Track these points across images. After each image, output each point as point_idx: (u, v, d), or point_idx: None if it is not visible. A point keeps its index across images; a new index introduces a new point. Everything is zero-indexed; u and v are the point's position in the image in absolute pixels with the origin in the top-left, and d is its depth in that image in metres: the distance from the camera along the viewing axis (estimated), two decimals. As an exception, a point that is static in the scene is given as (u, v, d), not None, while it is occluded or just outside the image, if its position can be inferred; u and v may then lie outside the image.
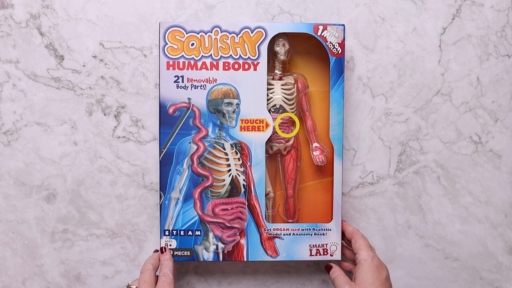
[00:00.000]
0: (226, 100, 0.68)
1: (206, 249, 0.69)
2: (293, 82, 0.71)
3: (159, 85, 0.67)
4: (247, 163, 0.68)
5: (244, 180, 0.69)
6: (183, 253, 0.69)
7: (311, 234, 0.69)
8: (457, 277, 0.77)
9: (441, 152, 0.76)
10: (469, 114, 0.77)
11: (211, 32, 0.67)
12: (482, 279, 0.77)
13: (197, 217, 0.68)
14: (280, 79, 0.70)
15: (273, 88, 0.70)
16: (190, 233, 0.68)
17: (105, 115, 0.74)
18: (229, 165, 0.68)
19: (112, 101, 0.74)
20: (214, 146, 0.68)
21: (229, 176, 0.68)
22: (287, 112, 0.70)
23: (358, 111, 0.76)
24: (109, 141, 0.74)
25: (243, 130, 0.68)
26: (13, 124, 0.73)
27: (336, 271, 0.67)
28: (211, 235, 0.69)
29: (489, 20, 0.77)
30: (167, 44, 0.67)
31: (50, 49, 0.73)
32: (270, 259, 0.69)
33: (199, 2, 0.74)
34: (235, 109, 0.68)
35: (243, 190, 0.69)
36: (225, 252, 0.69)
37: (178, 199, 0.68)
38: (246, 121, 0.68)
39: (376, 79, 0.76)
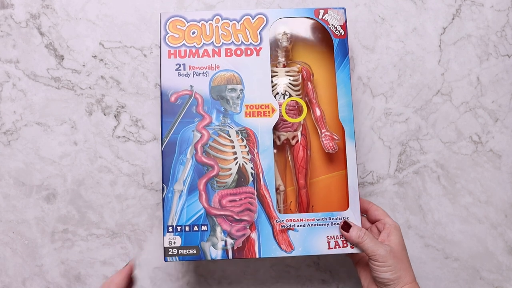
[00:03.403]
0: (229, 86, 0.66)
1: (214, 245, 0.64)
2: (297, 70, 0.70)
3: (160, 74, 0.66)
4: (254, 150, 0.65)
5: (252, 168, 0.65)
6: (188, 251, 0.63)
7: (328, 225, 0.64)
8: (457, 277, 0.77)
9: (441, 152, 0.76)
10: (469, 114, 0.77)
11: (212, 20, 0.67)
12: (482, 279, 0.77)
13: (203, 211, 0.64)
14: (284, 66, 0.69)
15: (277, 75, 0.68)
16: (195, 228, 0.64)
17: (105, 115, 0.74)
18: (235, 153, 0.65)
19: (112, 101, 0.74)
20: (218, 134, 0.65)
21: (236, 164, 0.65)
22: (291, 97, 0.68)
23: (358, 111, 0.76)
24: (109, 141, 0.74)
25: (248, 116, 0.66)
26: (13, 124, 0.73)
27: (362, 229, 0.62)
28: (218, 229, 0.64)
29: (489, 20, 0.77)
30: (168, 33, 0.66)
31: (50, 49, 0.73)
32: (284, 254, 0.63)
33: (199, 2, 0.74)
34: (239, 95, 0.66)
35: (251, 179, 0.65)
36: (235, 248, 0.64)
37: (182, 191, 0.64)
38: (251, 107, 0.66)
39: (376, 79, 0.76)
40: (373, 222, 0.66)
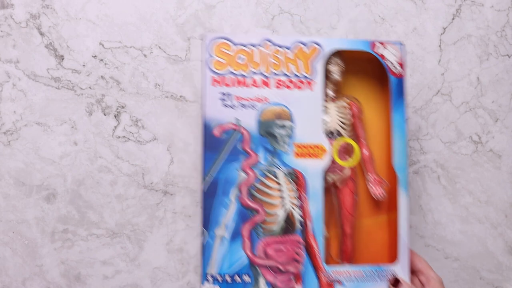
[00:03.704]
0: (279, 122, 0.60)
1: None
2: (346, 106, 0.64)
3: (203, 103, 0.60)
4: (303, 194, 0.60)
5: (299, 214, 0.60)
6: None
7: (376, 279, 0.60)
8: (457, 277, 0.77)
9: (441, 152, 0.76)
10: (469, 114, 0.77)
11: (261, 46, 0.61)
12: (482, 279, 0.77)
13: (246, 259, 0.59)
14: (333, 101, 0.64)
15: (326, 110, 0.63)
16: (237, 279, 0.59)
17: (105, 115, 0.74)
18: (282, 197, 0.60)
19: (112, 101, 0.74)
20: (265, 175, 0.60)
21: (283, 210, 0.60)
22: (342, 137, 0.63)
23: (358, 111, 0.76)
24: (109, 141, 0.74)
25: (298, 156, 0.60)
26: (13, 124, 0.73)
27: (412, 286, 0.60)
28: (262, 281, 0.59)
29: (489, 20, 0.77)
30: (213, 57, 0.60)
31: (50, 49, 0.73)
32: None
33: (199, 2, 0.74)
34: (289, 132, 0.60)
35: (298, 226, 0.60)
36: None
37: (224, 237, 0.59)
38: (301, 147, 0.60)
39: (376, 79, 0.76)
40: (414, 272, 0.63)
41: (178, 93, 0.74)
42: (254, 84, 0.60)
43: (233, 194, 0.59)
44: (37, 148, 0.73)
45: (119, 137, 0.74)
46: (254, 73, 0.60)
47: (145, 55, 0.74)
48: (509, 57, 0.77)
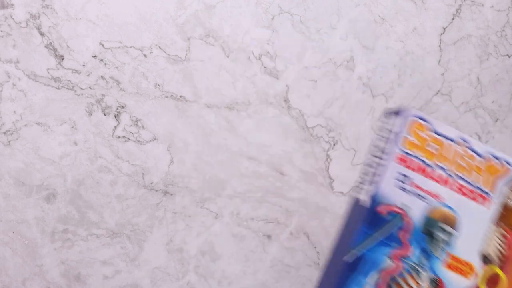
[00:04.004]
0: (443, 226, 0.58)
1: None
2: (505, 235, 0.62)
3: (378, 173, 0.58)
4: None
5: None
6: None
7: None
8: (457, 277, 0.77)
9: (441, 152, 0.77)
10: (469, 114, 0.77)
11: (456, 143, 0.58)
12: (482, 279, 0.77)
13: None
14: (496, 225, 0.61)
15: (488, 233, 0.60)
16: None
17: (105, 115, 0.74)
18: None
19: (112, 101, 0.74)
20: (410, 272, 0.57)
21: None
22: (493, 265, 0.60)
23: (358, 111, 0.76)
24: (109, 141, 0.74)
25: (447, 267, 0.57)
26: (13, 124, 0.73)
27: None
28: None
29: (489, 20, 0.77)
30: (407, 136, 0.57)
31: (50, 49, 0.73)
32: None
33: (199, 2, 0.74)
34: (449, 239, 0.57)
35: None
36: None
37: None
38: (454, 259, 0.57)
39: (376, 79, 0.76)
40: None
41: (178, 93, 0.74)
42: (435, 178, 0.57)
43: (372, 277, 0.56)
44: (37, 148, 0.73)
45: (119, 137, 0.74)
46: (439, 167, 0.57)
47: (145, 55, 0.74)
48: (509, 57, 0.77)
